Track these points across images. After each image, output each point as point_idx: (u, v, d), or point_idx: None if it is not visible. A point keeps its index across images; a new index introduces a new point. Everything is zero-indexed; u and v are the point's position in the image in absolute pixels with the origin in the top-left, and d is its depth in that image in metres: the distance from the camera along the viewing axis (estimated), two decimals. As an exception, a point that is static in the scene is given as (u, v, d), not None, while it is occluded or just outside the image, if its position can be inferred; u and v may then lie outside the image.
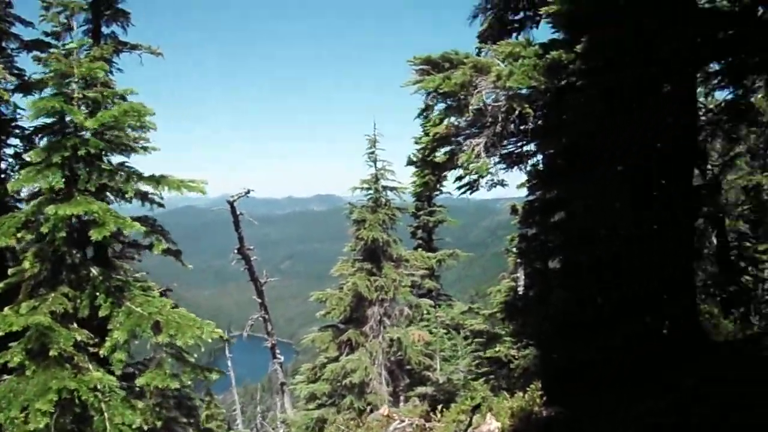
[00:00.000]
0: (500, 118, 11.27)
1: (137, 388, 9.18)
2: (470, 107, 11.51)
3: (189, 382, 9.55)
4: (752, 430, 7.34)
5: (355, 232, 19.59)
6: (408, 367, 20.80)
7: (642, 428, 8.55)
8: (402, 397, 19.75)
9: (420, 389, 20.57)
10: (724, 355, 11.41)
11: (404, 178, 20.64)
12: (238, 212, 20.31)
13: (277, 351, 23.19)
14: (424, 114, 26.59)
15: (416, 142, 29.70)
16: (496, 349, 15.23)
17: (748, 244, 18.35)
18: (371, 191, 20.15)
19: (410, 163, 29.07)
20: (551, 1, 10.55)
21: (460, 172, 13.24)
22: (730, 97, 12.73)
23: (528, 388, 11.55)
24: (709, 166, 16.49)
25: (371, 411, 17.27)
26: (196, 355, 9.74)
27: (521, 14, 13.96)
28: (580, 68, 9.66)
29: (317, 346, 19.36)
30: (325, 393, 18.96)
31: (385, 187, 20.19)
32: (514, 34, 14.00)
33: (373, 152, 20.20)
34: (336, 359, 18.84)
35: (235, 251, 21.03)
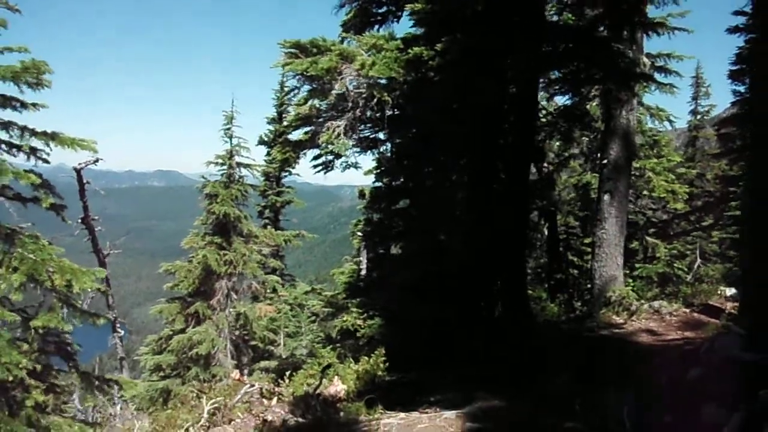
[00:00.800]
0: (360, 104, 12.20)
1: (20, 332, 9.24)
2: (333, 92, 12.36)
3: (80, 325, 9.76)
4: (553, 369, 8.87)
5: (207, 206, 19.78)
6: (253, 342, 21.35)
7: (458, 383, 9.68)
8: (246, 371, 20.25)
9: (264, 363, 21.20)
10: (544, 332, 13.09)
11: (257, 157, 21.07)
12: (84, 181, 19.71)
13: (117, 326, 22.74)
14: (285, 96, 27.06)
15: (269, 122, 30.01)
16: (344, 318, 16.22)
17: (575, 237, 20.76)
18: (225, 167, 20.40)
19: (261, 142, 29.40)
20: (413, -1, 11.64)
21: (317, 151, 14.08)
22: (568, 102, 14.56)
23: (372, 354, 12.54)
24: (545, 164, 18.53)
25: (218, 382, 17.65)
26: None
27: (384, 8, 14.91)
28: (438, 64, 10.75)
29: (164, 317, 19.36)
30: (171, 364, 19.04)
31: (239, 164, 20.52)
32: (377, 26, 14.92)
33: (229, 128, 20.45)
34: (182, 331, 18.98)
35: (79, 221, 20.37)
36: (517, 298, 12.78)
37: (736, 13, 12.18)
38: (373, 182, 17.92)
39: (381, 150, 15.47)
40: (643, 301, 13.65)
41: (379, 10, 14.76)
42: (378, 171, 16.73)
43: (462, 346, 11.42)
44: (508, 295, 12.75)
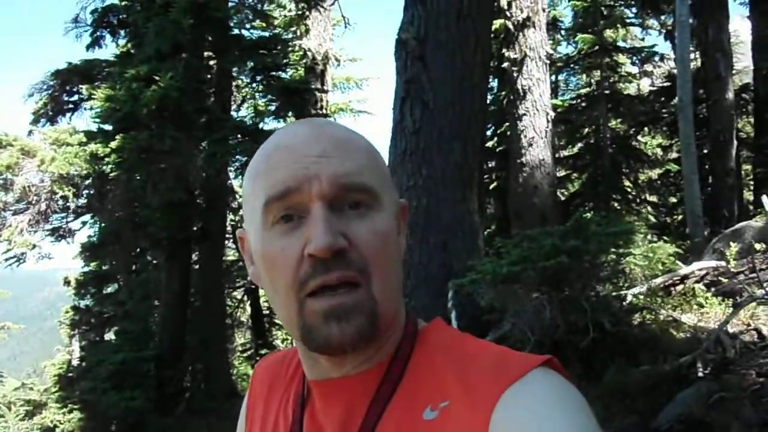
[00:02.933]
0: (44, 197, 12.20)
1: None
2: (15, 186, 12.22)
3: None
4: None
5: None
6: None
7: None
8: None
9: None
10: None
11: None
12: None
13: None
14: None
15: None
16: (43, 416, 15.44)
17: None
18: None
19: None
20: (95, 96, 12.02)
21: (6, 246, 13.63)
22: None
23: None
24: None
25: None
26: None
27: (75, 96, 14.95)
28: (114, 161, 11.19)
29: None
30: None
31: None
32: (69, 114, 14.89)
33: None
34: None
35: None
36: (220, 377, 13.37)
37: None
38: (82, 267, 17.53)
39: (79, 237, 15.31)
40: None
41: (71, 99, 14.82)
42: (83, 256, 16.48)
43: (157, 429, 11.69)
44: (209, 374, 13.31)
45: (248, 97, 16.53)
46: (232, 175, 14.34)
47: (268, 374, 0.97)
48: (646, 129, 15.78)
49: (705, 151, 13.51)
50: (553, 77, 15.76)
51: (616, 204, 14.59)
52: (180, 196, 11.46)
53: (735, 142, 12.53)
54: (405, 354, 0.81)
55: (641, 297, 6.46)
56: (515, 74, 11.52)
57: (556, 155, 13.19)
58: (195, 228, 13.18)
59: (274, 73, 13.80)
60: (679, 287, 7.01)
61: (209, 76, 13.58)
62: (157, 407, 11.89)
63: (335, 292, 0.72)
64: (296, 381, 0.91)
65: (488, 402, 0.68)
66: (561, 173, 15.06)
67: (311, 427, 0.83)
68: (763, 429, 3.52)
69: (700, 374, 4.56)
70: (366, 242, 0.74)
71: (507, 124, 12.99)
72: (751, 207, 13.22)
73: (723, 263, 7.18)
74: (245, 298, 19.02)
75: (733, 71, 13.46)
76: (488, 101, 10.67)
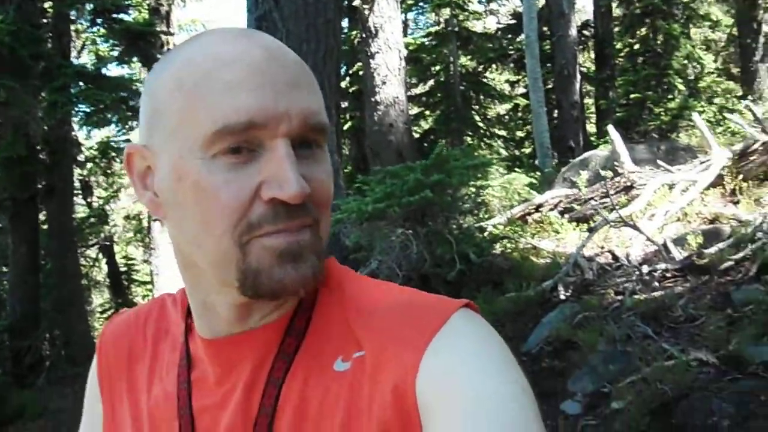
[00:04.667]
0: None
1: None
2: None
3: None
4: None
5: None
6: None
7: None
8: None
9: None
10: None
11: None
12: None
13: None
14: None
15: None
16: None
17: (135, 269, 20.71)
18: None
19: None
20: None
21: None
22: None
23: None
24: (95, 198, 18.16)
25: None
26: None
27: None
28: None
29: None
30: None
31: None
32: None
33: None
34: None
35: None
36: (80, 341, 12.62)
37: None
38: None
39: None
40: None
41: None
42: None
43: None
44: (69, 340, 12.52)
45: (89, 42, 15.56)
46: (75, 126, 13.30)
47: (124, 340, 0.84)
48: (494, 65, 16.19)
49: (550, 85, 14.10)
50: (403, 16, 15.70)
51: (468, 139, 14.96)
52: (20, 152, 10.48)
53: (578, 77, 13.14)
54: (309, 302, 0.74)
55: (501, 227, 6.65)
56: (366, 12, 11.31)
57: (408, 93, 13.22)
58: (39, 185, 12.15)
59: (115, 15, 12.79)
60: (535, 216, 7.31)
61: (45, 20, 12.35)
62: (16, 380, 11.05)
63: (291, 232, 0.66)
64: (169, 344, 0.81)
65: (414, 352, 0.64)
66: (414, 111, 15.17)
67: (204, 395, 0.74)
68: (626, 344, 3.65)
69: (563, 297, 4.71)
70: (321, 187, 0.69)
71: (359, 63, 12.84)
72: (594, 138, 14.05)
73: (575, 191, 7.52)
74: (100, 256, 18.02)
75: (575, 8, 14.03)
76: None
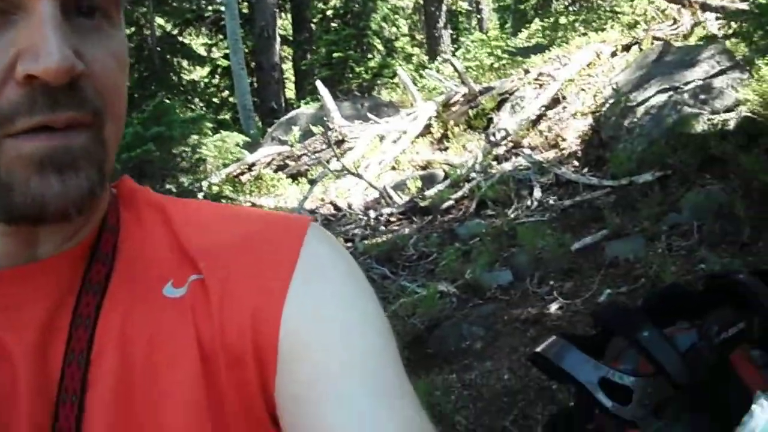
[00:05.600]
0: None
1: None
2: None
3: None
4: None
5: None
6: None
7: None
8: None
9: None
10: None
11: None
12: None
13: None
14: None
15: None
16: None
17: None
18: None
19: None
20: None
21: None
22: None
23: None
24: None
25: None
26: None
27: None
28: None
29: None
30: None
31: None
32: None
33: None
34: None
35: None
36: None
37: None
38: None
39: None
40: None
41: None
42: None
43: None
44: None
45: None
46: None
47: None
48: (191, 27, 15.57)
49: (250, 48, 13.94)
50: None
51: (169, 102, 14.25)
52: None
53: (278, 38, 13.15)
54: (114, 222, 0.58)
55: (218, 185, 6.37)
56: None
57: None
58: None
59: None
60: (249, 175, 7.17)
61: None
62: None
63: (54, 132, 0.47)
64: None
65: (278, 277, 0.55)
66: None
67: None
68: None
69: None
70: (104, 69, 0.50)
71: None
72: (294, 100, 14.26)
73: (287, 148, 7.50)
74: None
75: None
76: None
